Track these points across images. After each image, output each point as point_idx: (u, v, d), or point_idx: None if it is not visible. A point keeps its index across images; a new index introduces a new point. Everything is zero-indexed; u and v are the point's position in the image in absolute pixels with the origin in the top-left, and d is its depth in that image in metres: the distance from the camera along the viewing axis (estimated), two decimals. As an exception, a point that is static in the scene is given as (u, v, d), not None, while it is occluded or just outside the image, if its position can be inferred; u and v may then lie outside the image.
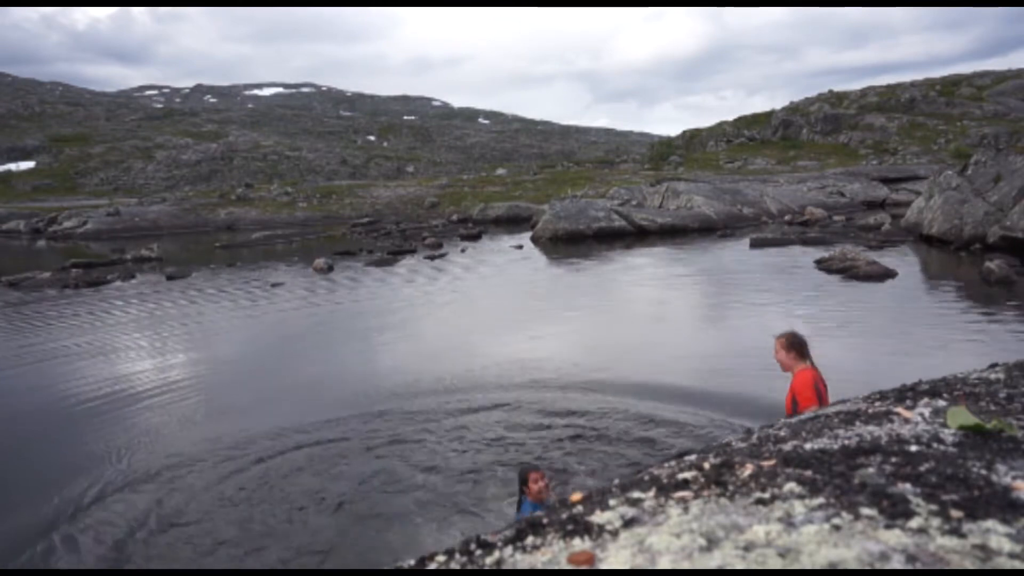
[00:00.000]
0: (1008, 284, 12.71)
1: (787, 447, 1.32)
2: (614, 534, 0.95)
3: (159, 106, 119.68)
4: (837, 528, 0.88)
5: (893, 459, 1.15)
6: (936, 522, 0.88)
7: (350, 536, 5.24)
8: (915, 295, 12.57)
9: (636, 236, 24.52)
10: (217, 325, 12.92)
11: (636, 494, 1.12)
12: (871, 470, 1.09)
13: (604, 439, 6.66)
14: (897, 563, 0.78)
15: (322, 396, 8.27)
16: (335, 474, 6.25)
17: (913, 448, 1.21)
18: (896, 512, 0.91)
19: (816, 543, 0.84)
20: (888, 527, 0.87)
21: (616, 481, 1.33)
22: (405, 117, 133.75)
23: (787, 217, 27.39)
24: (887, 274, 14.01)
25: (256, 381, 9.18)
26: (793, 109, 60.26)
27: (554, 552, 0.92)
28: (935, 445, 1.23)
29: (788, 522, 0.91)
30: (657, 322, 11.67)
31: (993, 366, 2.05)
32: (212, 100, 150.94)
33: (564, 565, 0.87)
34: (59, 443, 7.10)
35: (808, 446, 1.30)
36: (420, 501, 5.68)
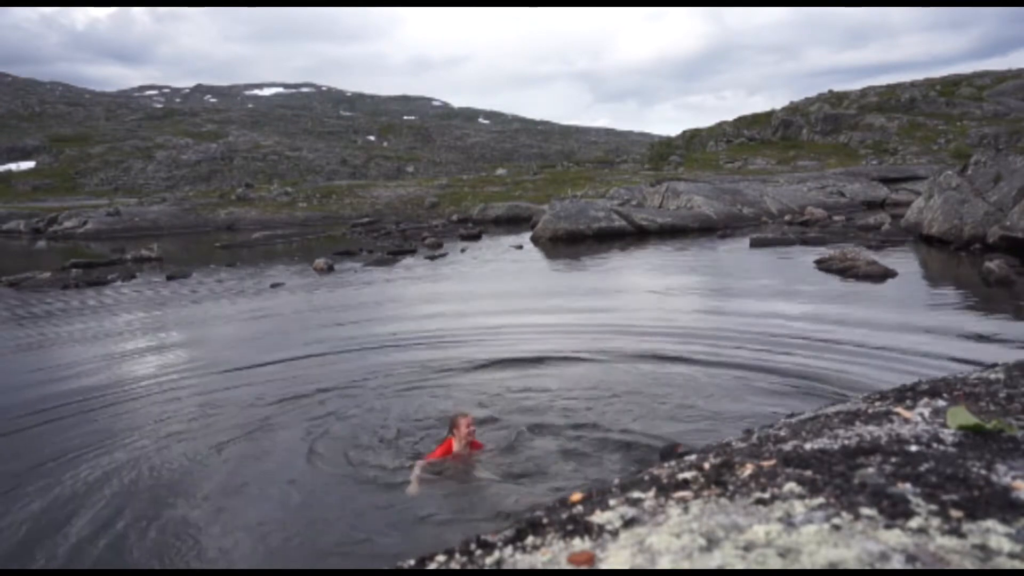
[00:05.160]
0: (1008, 284, 12.70)
1: (787, 447, 1.32)
2: (614, 534, 0.95)
3: (159, 106, 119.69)
4: (837, 528, 0.88)
5: (893, 459, 1.15)
6: (936, 522, 0.88)
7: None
8: (915, 295, 12.55)
9: (636, 236, 24.52)
10: (218, 322, 12.92)
11: (636, 494, 1.12)
12: (871, 470, 1.09)
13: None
14: (897, 563, 0.78)
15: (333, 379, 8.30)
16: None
17: (913, 448, 1.21)
18: (896, 512, 0.92)
19: (816, 543, 0.84)
20: (888, 527, 0.87)
21: (616, 481, 1.33)
22: (405, 117, 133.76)
23: (787, 217, 27.38)
24: (887, 274, 14.00)
25: (259, 363, 9.19)
26: (793, 109, 60.28)
27: (554, 552, 0.92)
28: (935, 445, 1.23)
29: (788, 522, 0.91)
30: (660, 315, 11.68)
31: (993, 366, 2.05)
32: (212, 100, 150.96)
33: (564, 565, 0.87)
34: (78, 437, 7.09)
35: (808, 446, 1.30)
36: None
